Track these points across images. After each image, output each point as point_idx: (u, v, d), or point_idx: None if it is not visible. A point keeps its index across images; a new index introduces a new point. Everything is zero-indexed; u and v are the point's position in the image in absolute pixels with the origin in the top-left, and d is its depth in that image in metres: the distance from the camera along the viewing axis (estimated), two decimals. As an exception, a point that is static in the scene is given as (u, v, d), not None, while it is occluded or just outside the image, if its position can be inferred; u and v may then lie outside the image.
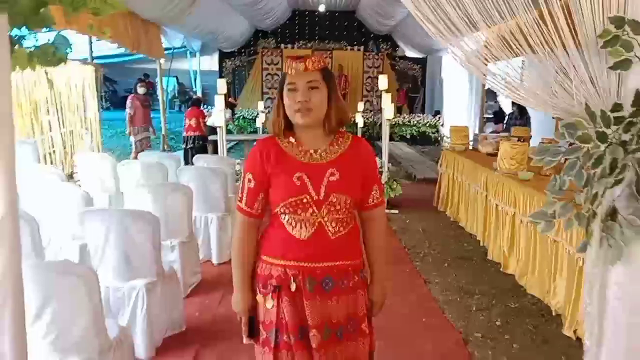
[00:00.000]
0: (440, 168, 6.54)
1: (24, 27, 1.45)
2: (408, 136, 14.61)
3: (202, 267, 4.12)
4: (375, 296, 1.77)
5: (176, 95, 20.03)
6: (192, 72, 16.51)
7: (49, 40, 1.53)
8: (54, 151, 6.53)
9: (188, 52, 14.28)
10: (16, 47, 1.45)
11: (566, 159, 1.51)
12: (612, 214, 1.43)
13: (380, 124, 11.64)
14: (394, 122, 14.34)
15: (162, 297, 2.94)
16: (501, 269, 4.17)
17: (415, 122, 14.51)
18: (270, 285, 1.67)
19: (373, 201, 1.75)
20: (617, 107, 1.34)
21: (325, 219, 1.64)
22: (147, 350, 2.81)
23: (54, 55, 1.51)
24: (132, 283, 2.80)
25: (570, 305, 3.06)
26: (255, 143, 1.77)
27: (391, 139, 13.66)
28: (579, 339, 2.96)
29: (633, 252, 1.43)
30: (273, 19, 14.60)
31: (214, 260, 4.43)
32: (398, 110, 14.75)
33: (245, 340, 1.78)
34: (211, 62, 16.70)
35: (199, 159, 5.29)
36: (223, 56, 16.02)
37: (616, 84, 1.40)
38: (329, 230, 1.64)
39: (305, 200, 1.62)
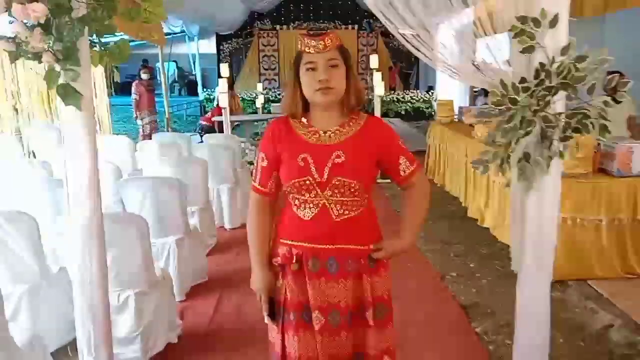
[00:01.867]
0: (428, 140, 7.10)
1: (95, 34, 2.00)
2: (403, 112, 15.13)
3: (217, 232, 4.71)
4: (386, 244, 1.70)
5: (176, 79, 20.43)
6: (190, 55, 16.93)
7: (113, 43, 2.07)
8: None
9: (187, 37, 14.70)
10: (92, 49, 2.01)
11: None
12: (526, 157, 1.99)
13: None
14: (388, 99, 14.86)
15: (188, 251, 3.52)
16: (478, 223, 4.76)
17: (409, 99, 14.99)
18: (275, 262, 1.69)
19: (405, 172, 1.69)
20: (522, 80, 1.89)
21: (330, 200, 1.61)
22: (179, 294, 3.39)
23: (118, 54, 2.06)
24: (164, 239, 3.38)
25: (554, 266, 3.65)
26: (267, 122, 2.02)
27: (386, 115, 14.23)
28: (563, 285, 3.52)
29: (540, 184, 1.99)
30: (268, 1, 14.96)
31: (227, 226, 5.02)
32: (391, 89, 15.24)
33: (266, 320, 1.75)
34: (209, 46, 17.11)
35: (209, 138, 5.84)
36: (220, 39, 16.43)
37: (526, 63, 1.94)
38: (333, 212, 1.61)
39: (308, 182, 1.60)
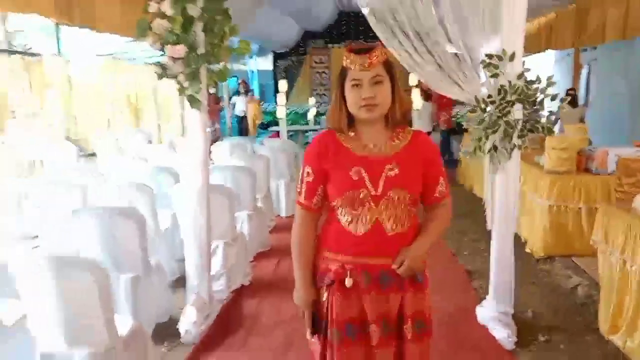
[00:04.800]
0: (462, 148, 7.94)
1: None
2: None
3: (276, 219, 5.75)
4: (402, 256, 1.61)
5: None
6: (249, 72, 18.25)
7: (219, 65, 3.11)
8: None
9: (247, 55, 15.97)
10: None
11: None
12: (495, 148, 2.90)
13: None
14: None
15: (256, 224, 4.57)
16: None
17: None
18: (327, 279, 1.66)
19: (440, 194, 1.70)
20: (489, 96, 2.81)
21: (383, 215, 1.60)
22: (249, 255, 4.38)
23: (222, 75, 3.12)
24: (239, 213, 4.41)
25: (531, 232, 4.47)
26: (313, 137, 1.79)
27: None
28: (550, 259, 4.34)
29: (504, 167, 2.90)
30: (321, 21, 16.10)
31: (282, 214, 6.06)
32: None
33: (308, 336, 1.76)
34: (266, 62, 18.43)
35: (268, 141, 6.94)
36: (277, 57, 17.68)
37: (493, 84, 2.86)
38: (386, 227, 1.60)
39: (362, 196, 1.59)
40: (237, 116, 11.84)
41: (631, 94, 9.90)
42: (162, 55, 2.93)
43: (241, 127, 11.90)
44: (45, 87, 5.78)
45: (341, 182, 1.62)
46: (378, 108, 1.59)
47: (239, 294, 3.80)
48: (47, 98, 5.79)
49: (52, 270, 2.12)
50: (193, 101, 2.99)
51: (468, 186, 7.27)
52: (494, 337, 3.01)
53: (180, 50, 2.82)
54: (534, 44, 8.62)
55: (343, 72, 1.63)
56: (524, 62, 2.90)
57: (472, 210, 6.05)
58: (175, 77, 2.95)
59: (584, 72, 12.49)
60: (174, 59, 2.87)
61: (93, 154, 6.36)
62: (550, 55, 13.62)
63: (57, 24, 5.94)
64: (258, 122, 12.75)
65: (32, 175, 5.32)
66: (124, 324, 2.45)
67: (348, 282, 1.63)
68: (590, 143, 4.94)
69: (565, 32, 7.50)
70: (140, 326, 2.55)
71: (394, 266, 1.61)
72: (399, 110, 1.64)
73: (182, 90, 2.99)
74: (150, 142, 7.23)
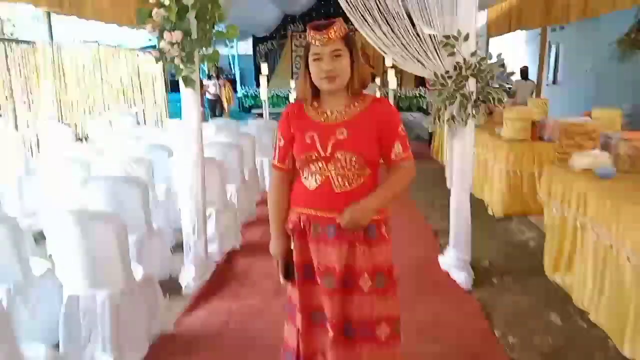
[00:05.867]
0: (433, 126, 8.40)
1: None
2: (425, 107, 16.33)
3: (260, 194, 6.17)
4: (347, 210, 1.72)
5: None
6: (229, 56, 18.47)
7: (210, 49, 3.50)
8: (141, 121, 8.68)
9: (226, 39, 16.19)
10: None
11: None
12: (452, 117, 3.35)
13: (399, 96, 13.55)
14: (411, 95, 16.11)
15: (244, 195, 4.98)
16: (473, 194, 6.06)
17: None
18: (287, 228, 1.89)
19: (396, 157, 1.80)
20: (447, 72, 3.26)
21: (332, 173, 1.76)
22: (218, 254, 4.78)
23: (213, 57, 3.50)
24: (229, 185, 4.82)
25: (491, 196, 4.97)
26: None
27: (409, 109, 15.49)
28: (509, 219, 4.85)
29: (460, 134, 3.36)
30: (301, 5, 16.35)
31: (267, 189, 6.47)
32: (418, 85, 16.40)
33: (281, 281, 1.96)
34: (246, 47, 18.66)
35: (254, 122, 7.33)
36: (257, 41, 17.91)
37: (449, 62, 3.30)
38: (334, 184, 1.76)
39: (314, 157, 1.76)
40: (208, 100, 12.13)
41: (596, 71, 10.47)
42: (150, 41, 3.30)
43: (214, 110, 12.18)
44: (39, 73, 6.07)
45: (299, 145, 1.80)
46: (338, 79, 1.73)
47: (231, 255, 4.23)
48: (41, 84, 6.08)
49: (77, 223, 2.52)
50: (187, 81, 3.38)
51: (440, 160, 7.76)
52: (454, 280, 3.50)
53: (177, 35, 3.20)
54: (504, 24, 9.10)
55: (307, 48, 1.77)
56: (488, 41, 3.36)
57: (442, 180, 6.50)
58: (172, 60, 3.33)
59: (552, 51, 13.07)
60: (172, 44, 3.25)
61: (86, 138, 6.67)
62: (522, 35, 14.23)
63: (48, 12, 6.22)
64: (231, 105, 13.05)
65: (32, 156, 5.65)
66: (136, 272, 2.86)
67: (310, 230, 1.81)
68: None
69: (534, 12, 7.87)
70: (150, 274, 2.96)
71: (337, 219, 1.74)
72: (358, 81, 1.77)
73: (178, 71, 3.38)
74: (138, 123, 7.55)
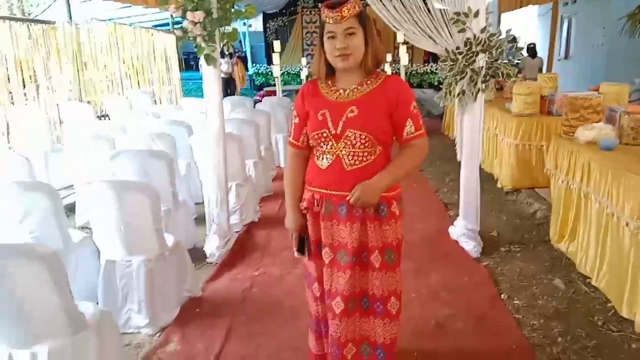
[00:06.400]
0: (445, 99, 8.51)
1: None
2: (436, 83, 16.33)
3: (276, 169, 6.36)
4: (357, 188, 1.76)
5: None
6: (240, 33, 18.49)
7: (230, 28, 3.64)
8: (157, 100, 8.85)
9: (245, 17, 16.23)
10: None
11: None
12: (463, 92, 3.49)
13: (410, 72, 13.57)
14: (422, 71, 16.11)
15: (261, 170, 5.18)
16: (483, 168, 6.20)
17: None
18: (301, 206, 1.94)
19: (408, 135, 1.80)
20: (457, 48, 3.39)
21: (343, 152, 1.79)
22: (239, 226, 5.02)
23: (232, 36, 3.65)
24: (247, 161, 5.00)
25: (501, 169, 5.12)
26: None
27: (420, 86, 15.49)
28: (518, 192, 5.02)
29: (470, 108, 3.50)
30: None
31: (282, 165, 6.67)
32: (426, 62, 16.38)
33: (295, 254, 2.03)
34: (256, 23, 18.66)
35: (267, 99, 7.48)
36: (267, 17, 17.88)
37: (460, 38, 3.42)
38: (345, 162, 1.79)
39: (325, 134, 1.79)
40: (222, 78, 12.27)
41: (607, 46, 10.45)
42: (175, 22, 3.46)
43: (227, 89, 12.31)
44: (60, 52, 6.25)
45: (312, 123, 1.84)
46: (351, 57, 1.74)
47: (251, 227, 4.44)
48: (62, 63, 6.26)
49: (114, 192, 2.72)
50: (209, 59, 3.54)
51: (451, 135, 7.89)
52: (463, 249, 3.69)
53: (199, 15, 3.35)
54: (515, 0, 9.11)
55: (321, 26, 1.78)
56: (499, 17, 3.47)
57: (453, 155, 6.62)
58: (194, 38, 3.49)
59: (564, 26, 12.98)
60: (194, 23, 3.40)
61: (106, 115, 6.87)
62: (534, 10, 14.15)
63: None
64: (243, 85, 13.17)
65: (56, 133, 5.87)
66: (168, 239, 3.07)
67: (316, 208, 1.88)
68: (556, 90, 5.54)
69: (545, -12, 7.93)
70: (180, 242, 3.18)
71: (348, 197, 1.78)
72: (371, 59, 1.78)
73: (200, 50, 3.53)
74: (155, 101, 7.73)
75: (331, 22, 1.72)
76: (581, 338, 2.63)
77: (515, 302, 3.02)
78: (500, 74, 3.44)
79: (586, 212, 3.25)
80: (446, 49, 3.44)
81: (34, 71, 5.67)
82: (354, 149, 1.77)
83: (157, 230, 2.85)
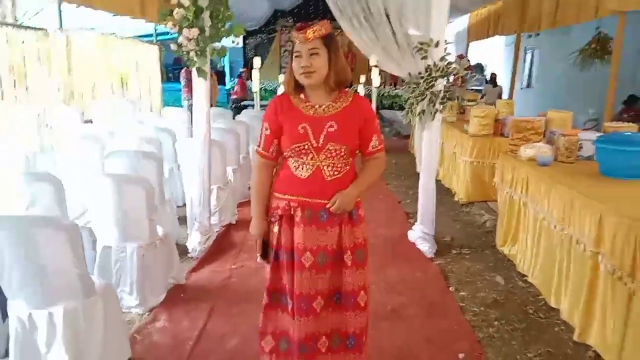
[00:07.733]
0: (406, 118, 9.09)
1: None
2: (404, 104, 16.99)
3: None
4: (336, 197, 1.95)
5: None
6: (219, 48, 18.85)
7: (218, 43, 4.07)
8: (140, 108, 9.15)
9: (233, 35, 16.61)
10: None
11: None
12: (422, 112, 3.99)
13: (382, 94, 14.17)
14: (393, 94, 16.78)
15: (239, 179, 5.56)
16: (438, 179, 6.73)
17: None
18: (276, 215, 2.01)
19: (372, 148, 2.03)
20: (419, 73, 3.89)
21: (323, 163, 1.93)
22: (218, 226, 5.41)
23: (222, 52, 4.08)
24: (229, 167, 5.38)
25: (457, 184, 5.64)
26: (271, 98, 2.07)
27: (391, 107, 16.14)
28: (471, 204, 5.53)
29: (429, 126, 4.00)
30: (290, 0, 16.82)
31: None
32: (392, 84, 16.99)
33: (258, 259, 2.16)
34: (235, 40, 19.07)
35: (245, 112, 7.89)
36: (247, 34, 18.34)
37: (422, 64, 3.93)
38: (325, 173, 1.94)
39: (306, 147, 1.91)
40: None
41: (566, 77, 11.23)
42: (158, 34, 3.87)
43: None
44: (50, 59, 6.54)
45: (291, 135, 1.93)
46: (314, 75, 1.89)
47: (229, 228, 4.82)
48: (51, 70, 6.55)
49: (113, 184, 3.08)
50: (200, 72, 3.95)
51: (414, 152, 8.45)
52: (419, 250, 4.17)
53: (194, 32, 3.76)
54: (483, 30, 9.76)
55: (292, 46, 1.95)
56: (468, 45, 3.98)
57: (417, 172, 7.22)
58: (188, 52, 3.90)
59: (528, 56, 13.84)
60: (189, 39, 3.81)
61: (90, 121, 7.14)
62: (501, 40, 15.00)
63: (59, 1, 6.70)
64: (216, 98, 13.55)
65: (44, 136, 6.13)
66: (158, 229, 3.43)
67: (297, 215, 1.97)
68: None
69: (511, 19, 8.44)
70: (168, 234, 3.54)
71: (328, 205, 1.96)
72: (334, 78, 1.92)
73: (192, 63, 3.94)
74: (139, 110, 8.05)
75: (297, 42, 1.90)
76: (514, 322, 3.11)
77: (461, 293, 3.49)
78: (455, 98, 3.95)
79: (525, 219, 3.76)
80: (409, 73, 3.94)
81: (25, 76, 5.95)
82: (333, 161, 1.94)
83: (151, 221, 3.22)
